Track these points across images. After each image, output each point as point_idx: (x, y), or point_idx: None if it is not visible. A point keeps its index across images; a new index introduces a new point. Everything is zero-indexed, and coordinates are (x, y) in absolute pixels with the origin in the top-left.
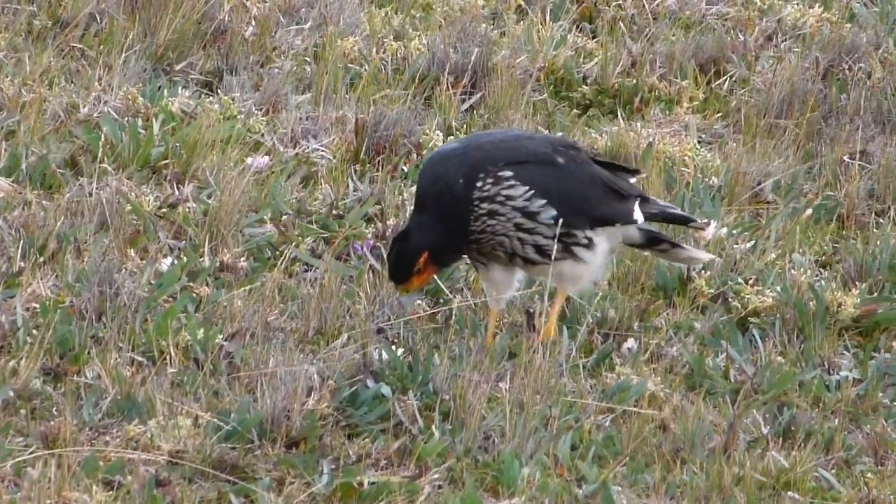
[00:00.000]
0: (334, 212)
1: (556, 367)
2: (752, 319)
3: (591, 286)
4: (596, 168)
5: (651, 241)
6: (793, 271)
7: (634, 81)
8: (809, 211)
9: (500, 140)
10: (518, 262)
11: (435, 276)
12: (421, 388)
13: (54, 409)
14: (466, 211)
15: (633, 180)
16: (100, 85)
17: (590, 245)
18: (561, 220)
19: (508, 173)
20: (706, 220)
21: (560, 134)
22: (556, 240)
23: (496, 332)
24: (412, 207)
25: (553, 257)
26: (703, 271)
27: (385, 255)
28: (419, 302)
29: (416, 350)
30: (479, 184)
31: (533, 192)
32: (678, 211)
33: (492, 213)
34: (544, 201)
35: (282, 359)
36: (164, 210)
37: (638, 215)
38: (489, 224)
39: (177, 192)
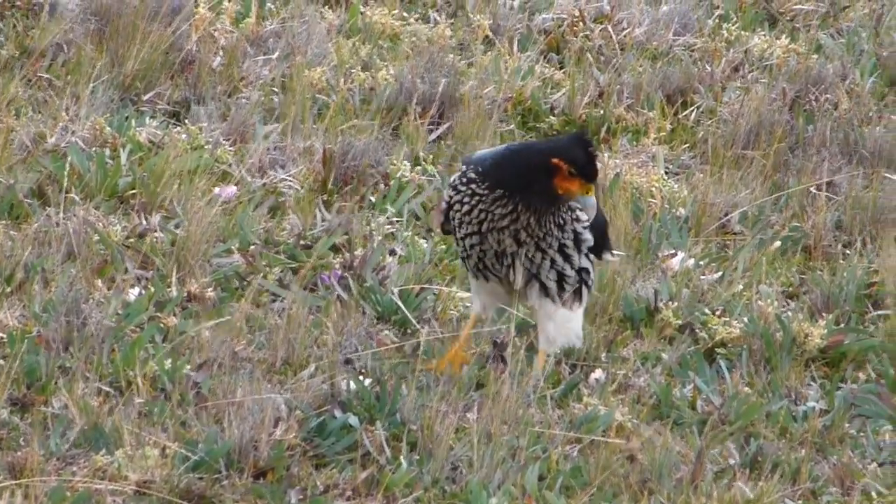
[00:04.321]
0: (302, 242)
1: (523, 398)
2: (719, 350)
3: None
4: None
5: None
6: (760, 302)
7: (602, 112)
8: (776, 242)
9: None
10: (522, 290)
11: (404, 308)
12: (388, 419)
13: (21, 439)
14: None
15: None
16: (67, 115)
17: (591, 289)
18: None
19: None
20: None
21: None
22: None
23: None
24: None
25: (560, 296)
26: (670, 302)
27: (589, 154)
28: (387, 332)
29: (383, 380)
30: None
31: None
32: None
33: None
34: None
35: (249, 389)
36: (131, 240)
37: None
38: (547, 229)
39: (144, 223)
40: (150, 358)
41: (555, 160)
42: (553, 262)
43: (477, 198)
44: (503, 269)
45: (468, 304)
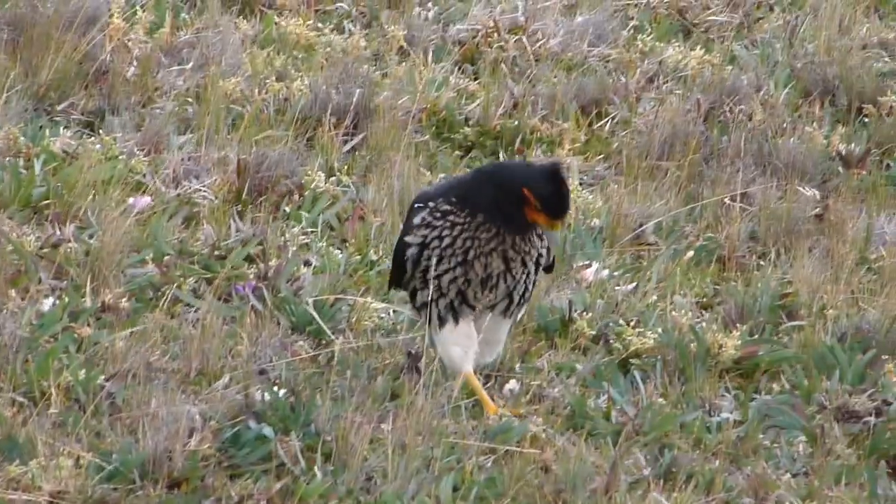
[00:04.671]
0: (216, 252)
1: (438, 409)
2: (633, 361)
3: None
4: None
5: None
6: (674, 313)
7: (516, 123)
8: (691, 253)
9: None
10: (491, 309)
11: (318, 318)
12: (303, 429)
13: None
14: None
15: None
16: None
17: None
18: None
19: None
20: None
21: (442, 176)
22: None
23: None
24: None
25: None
26: (584, 312)
27: (559, 190)
28: (301, 343)
29: (298, 391)
30: None
31: None
32: None
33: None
34: None
35: (164, 399)
36: (45, 250)
37: None
38: (531, 243)
39: (58, 233)
40: (64, 368)
41: (525, 190)
42: (528, 274)
43: (458, 227)
44: (489, 295)
45: (383, 315)
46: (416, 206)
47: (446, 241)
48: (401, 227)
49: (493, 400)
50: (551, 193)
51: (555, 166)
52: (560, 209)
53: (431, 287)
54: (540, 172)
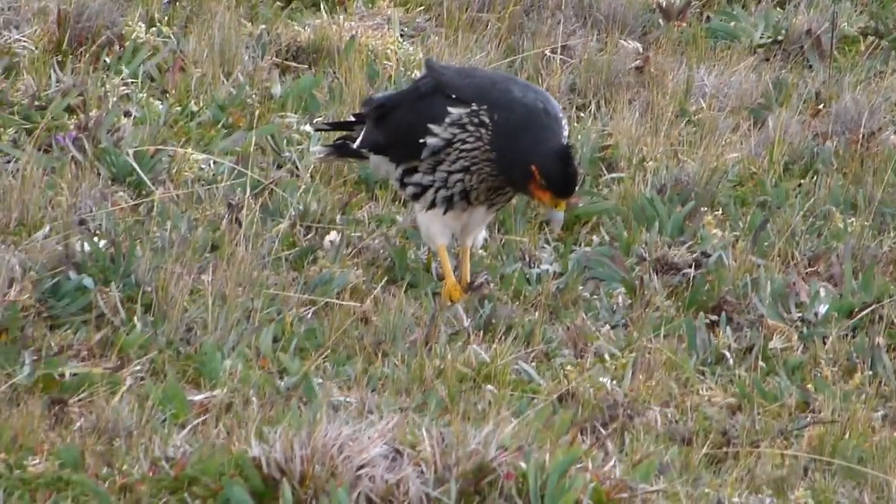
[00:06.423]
0: (36, 103)
1: (258, 260)
2: None
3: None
4: None
5: None
6: None
7: None
8: None
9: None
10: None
11: (139, 169)
12: (123, 280)
13: None
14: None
15: None
16: None
17: None
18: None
19: None
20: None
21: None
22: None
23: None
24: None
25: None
26: None
27: (566, 171)
28: (122, 193)
29: (118, 242)
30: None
31: None
32: None
33: None
34: None
35: None
36: None
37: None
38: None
39: None
40: None
41: (533, 167)
42: None
43: (481, 144)
44: (493, 198)
45: (203, 167)
46: (450, 94)
47: (468, 146)
48: (392, 91)
49: (314, 253)
50: (559, 173)
51: (565, 147)
52: (566, 189)
53: (436, 179)
54: (550, 150)
